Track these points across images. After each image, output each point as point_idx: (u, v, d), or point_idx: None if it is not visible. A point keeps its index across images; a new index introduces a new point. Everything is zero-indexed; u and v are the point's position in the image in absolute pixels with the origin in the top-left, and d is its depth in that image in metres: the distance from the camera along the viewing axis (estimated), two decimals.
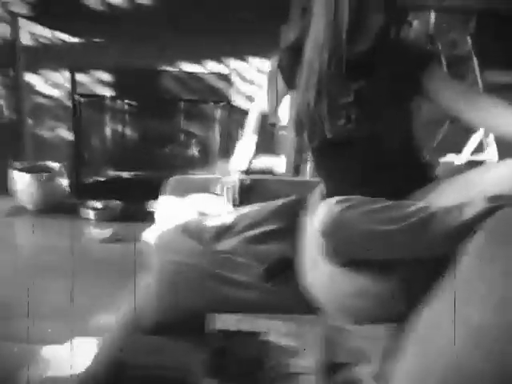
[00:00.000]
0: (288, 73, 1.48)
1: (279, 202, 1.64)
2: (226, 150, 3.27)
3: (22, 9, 3.05)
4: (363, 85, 1.38)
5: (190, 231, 1.55)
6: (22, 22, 3.21)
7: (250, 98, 3.24)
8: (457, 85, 1.41)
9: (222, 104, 3.27)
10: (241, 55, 3.18)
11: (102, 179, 3.43)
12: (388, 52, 1.40)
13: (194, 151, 3.45)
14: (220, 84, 3.25)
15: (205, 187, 1.82)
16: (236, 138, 3.22)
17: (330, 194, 1.46)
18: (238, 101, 3.26)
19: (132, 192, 3.22)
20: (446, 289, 1.04)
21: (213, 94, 3.27)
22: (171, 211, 1.80)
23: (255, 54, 3.17)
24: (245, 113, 3.15)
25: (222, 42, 3.10)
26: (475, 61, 2.90)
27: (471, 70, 2.94)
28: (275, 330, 1.25)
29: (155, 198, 2.90)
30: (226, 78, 3.24)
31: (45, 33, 3.23)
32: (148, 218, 2.91)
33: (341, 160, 1.46)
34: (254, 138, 1.76)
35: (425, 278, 1.14)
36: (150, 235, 1.66)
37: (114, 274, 2.38)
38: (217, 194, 1.80)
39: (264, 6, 2.97)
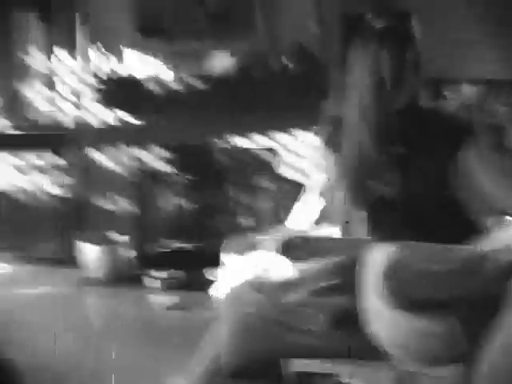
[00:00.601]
0: (331, 141, 1.63)
1: (338, 257, 1.77)
2: (275, 219, 3.45)
3: (92, 94, 3.41)
4: (400, 150, 1.50)
5: (257, 286, 1.72)
6: (91, 105, 3.57)
7: (295, 169, 3.45)
8: (493, 167, 1.47)
9: (269, 175, 3.50)
10: (286, 129, 3.41)
11: (165, 250, 3.66)
12: (424, 121, 1.52)
13: (245, 220, 3.65)
14: (267, 156, 3.49)
15: (263, 245, 1.95)
16: (283, 206, 3.42)
17: (380, 239, 1.60)
18: (285, 171, 3.46)
19: (192, 261, 3.41)
20: (503, 325, 1.15)
21: (260, 165, 3.51)
22: (235, 268, 1.95)
23: (299, 127, 3.38)
24: (291, 182, 3.38)
25: (268, 118, 3.35)
26: None
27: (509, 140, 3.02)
28: (347, 374, 1.37)
29: (212, 266, 3.10)
30: (272, 150, 3.47)
31: (112, 115, 3.57)
32: (208, 285, 3.10)
33: (389, 210, 1.56)
34: (311, 200, 1.88)
35: (483, 316, 1.23)
36: (216, 291, 1.82)
37: (180, 339, 2.52)
38: (274, 251, 1.93)
39: (303, 86, 3.24)
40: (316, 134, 1.74)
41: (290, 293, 1.66)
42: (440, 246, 1.35)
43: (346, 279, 1.67)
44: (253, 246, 1.90)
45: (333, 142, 1.63)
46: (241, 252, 1.91)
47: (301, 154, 3.41)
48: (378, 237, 1.65)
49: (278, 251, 1.89)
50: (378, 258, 1.37)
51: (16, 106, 3.77)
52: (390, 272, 1.32)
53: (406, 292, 1.34)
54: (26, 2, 3.67)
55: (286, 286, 1.69)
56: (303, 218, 1.92)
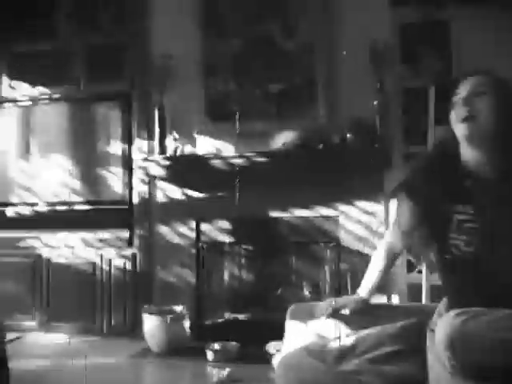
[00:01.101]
0: (417, 195, 1.64)
1: (398, 324, 1.71)
2: (338, 290, 3.37)
3: (159, 171, 3.60)
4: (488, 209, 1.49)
5: (314, 352, 1.68)
6: (159, 182, 3.77)
7: (357, 237, 3.40)
8: None
9: (331, 245, 3.46)
10: (348, 199, 3.43)
11: (220, 321, 3.63)
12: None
13: (306, 292, 3.58)
14: (329, 226, 3.47)
15: (324, 311, 1.92)
16: (346, 277, 3.35)
17: (450, 306, 1.53)
18: (347, 241, 3.43)
19: (248, 333, 3.35)
20: None
21: (322, 235, 3.49)
22: (295, 335, 1.92)
23: (361, 198, 3.40)
24: (353, 252, 3.33)
25: (330, 189, 3.39)
26: None
27: None
28: None
29: (272, 338, 3.02)
30: (334, 220, 3.46)
31: (175, 190, 3.74)
32: (265, 358, 3.02)
33: (463, 274, 1.53)
34: (379, 267, 1.85)
35: None
36: (278, 360, 1.80)
37: None
38: (334, 318, 1.88)
39: (364, 158, 3.27)
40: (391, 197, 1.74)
41: (348, 360, 1.61)
42: (505, 312, 1.31)
43: (406, 346, 1.61)
44: (315, 314, 1.88)
45: (418, 196, 1.64)
46: (302, 319, 1.89)
47: (362, 222, 3.38)
48: (449, 299, 1.58)
49: (338, 318, 1.85)
50: (445, 327, 1.33)
51: (94, 188, 4.03)
52: (456, 342, 1.29)
53: (472, 362, 1.30)
54: (108, 96, 4.01)
55: (344, 353, 1.65)
56: (367, 283, 1.87)
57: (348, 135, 3.32)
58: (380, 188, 3.33)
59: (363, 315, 1.86)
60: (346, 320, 1.85)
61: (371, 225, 3.37)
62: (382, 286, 1.86)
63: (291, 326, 1.95)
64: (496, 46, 3.45)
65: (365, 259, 3.30)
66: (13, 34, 4.16)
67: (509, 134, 1.50)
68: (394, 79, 3.45)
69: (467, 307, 1.37)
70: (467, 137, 1.51)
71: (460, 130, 1.52)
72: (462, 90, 1.54)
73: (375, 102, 3.29)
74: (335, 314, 1.85)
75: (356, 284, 3.23)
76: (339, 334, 1.79)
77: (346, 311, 1.85)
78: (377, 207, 3.37)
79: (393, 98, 3.38)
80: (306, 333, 1.88)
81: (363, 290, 1.85)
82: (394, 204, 1.74)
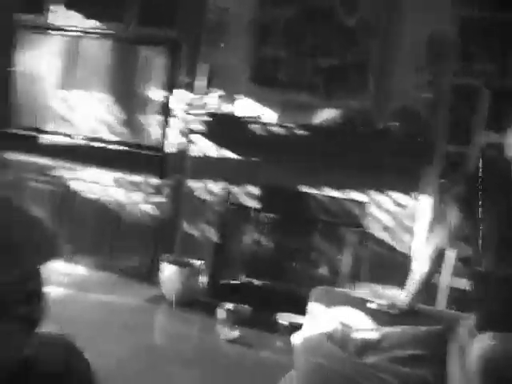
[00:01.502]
0: (467, 203, 1.65)
1: (422, 328, 1.74)
2: (355, 275, 3.41)
3: (197, 125, 3.61)
4: None
5: (335, 339, 1.72)
6: (196, 137, 3.79)
7: (384, 227, 3.42)
8: None
9: (356, 229, 3.48)
10: (380, 187, 3.41)
11: (236, 282, 3.72)
12: None
13: (323, 270, 3.64)
14: (356, 210, 3.48)
15: (350, 301, 1.94)
16: (366, 263, 3.39)
17: (480, 326, 1.55)
18: (373, 228, 3.44)
19: (261, 299, 3.44)
20: None
21: (349, 219, 3.50)
22: (317, 318, 1.95)
23: (394, 188, 3.38)
24: (377, 240, 3.35)
25: (364, 174, 3.38)
26: None
27: None
28: None
29: (282, 308, 3.11)
30: (363, 205, 3.46)
31: (211, 148, 3.76)
32: (274, 327, 3.12)
33: (503, 294, 1.55)
34: (422, 276, 1.84)
35: None
36: (297, 339, 1.83)
37: (235, 375, 2.58)
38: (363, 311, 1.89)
39: (406, 148, 3.24)
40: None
41: (370, 354, 1.65)
42: None
43: (428, 352, 1.64)
44: (340, 300, 1.91)
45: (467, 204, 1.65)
46: (326, 303, 1.92)
47: (392, 213, 3.38)
48: (480, 318, 1.60)
49: (365, 311, 1.87)
50: (481, 352, 1.35)
51: (130, 130, 4.06)
52: (490, 370, 1.32)
53: None
54: (156, 41, 3.96)
55: (368, 346, 1.68)
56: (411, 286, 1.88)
57: (393, 124, 3.27)
58: (415, 182, 3.31)
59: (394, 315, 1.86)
60: (371, 313, 1.86)
61: (399, 216, 3.37)
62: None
63: (314, 309, 1.96)
64: None
65: (388, 249, 3.35)
66: None
67: None
68: (447, 74, 3.36)
69: (499, 329, 1.39)
70: None
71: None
72: None
73: (425, 95, 3.23)
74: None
75: (374, 272, 3.32)
76: (363, 327, 1.81)
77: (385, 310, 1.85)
78: (408, 200, 3.36)
79: (444, 93, 3.30)
80: (329, 318, 1.88)
81: (405, 298, 1.86)
82: (440, 207, 1.73)
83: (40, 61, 4.27)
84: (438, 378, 1.58)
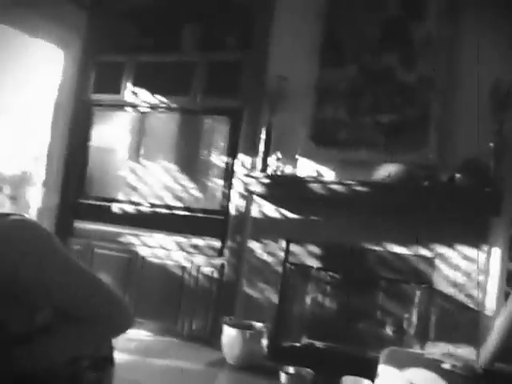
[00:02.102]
0: None
1: None
2: (423, 334, 3.20)
3: (258, 188, 3.67)
4: None
5: None
6: (255, 199, 3.85)
7: (453, 284, 3.22)
8: None
9: (423, 286, 3.31)
10: (447, 242, 3.27)
11: (298, 345, 3.58)
12: None
13: (389, 331, 3.44)
14: (423, 266, 3.33)
15: (422, 363, 1.84)
16: (434, 322, 3.18)
17: None
18: (441, 285, 3.27)
19: (324, 362, 3.27)
20: None
21: (415, 275, 3.35)
22: (388, 381, 1.85)
23: (461, 241, 3.23)
24: (446, 297, 3.16)
25: (429, 229, 3.26)
26: None
27: None
28: None
29: (346, 371, 2.93)
30: (429, 261, 3.31)
31: (271, 208, 3.79)
32: None
33: None
34: (503, 335, 1.72)
35: None
36: None
37: None
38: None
39: (472, 201, 3.11)
40: None
41: None
42: None
43: None
44: (410, 361, 1.79)
45: None
46: (400, 365, 1.81)
47: (461, 268, 3.20)
48: None
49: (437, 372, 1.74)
50: None
51: (194, 196, 4.19)
52: None
53: None
54: (220, 111, 4.17)
55: None
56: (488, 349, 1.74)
57: (457, 175, 3.18)
58: (484, 234, 3.15)
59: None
60: (444, 374, 1.74)
61: (469, 271, 3.18)
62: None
63: (385, 371, 1.88)
64: None
65: (457, 306, 3.13)
66: (142, 45, 4.48)
67: None
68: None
69: None
70: None
71: None
72: None
73: (491, 144, 3.14)
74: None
75: (443, 331, 3.10)
76: None
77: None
78: (478, 253, 3.18)
79: (509, 141, 3.20)
80: (401, 380, 1.79)
81: (482, 359, 1.72)
82: None
83: (113, 135, 4.58)
84: None
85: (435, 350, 1.80)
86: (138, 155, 4.47)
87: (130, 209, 4.41)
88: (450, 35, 3.43)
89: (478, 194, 3.09)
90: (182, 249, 4.11)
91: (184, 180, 4.26)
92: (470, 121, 3.30)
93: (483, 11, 3.35)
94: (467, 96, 3.34)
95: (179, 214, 4.21)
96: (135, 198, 4.42)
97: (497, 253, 3.12)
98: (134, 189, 4.42)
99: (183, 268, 4.05)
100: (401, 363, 1.83)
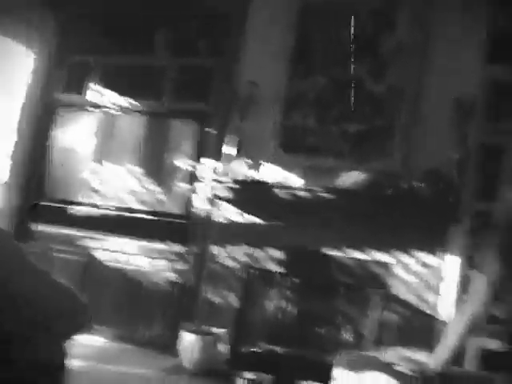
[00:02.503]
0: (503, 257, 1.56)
1: None
2: (380, 338, 3.21)
3: (223, 193, 3.63)
4: None
5: None
6: (220, 203, 3.81)
7: (410, 288, 3.26)
8: None
9: (380, 291, 3.33)
10: (406, 248, 3.31)
11: (257, 350, 3.52)
12: None
13: (349, 336, 3.43)
14: (381, 272, 3.37)
15: (376, 365, 1.84)
16: (391, 326, 3.19)
17: None
18: (398, 290, 3.30)
19: (283, 367, 3.23)
20: None
21: (373, 280, 3.38)
22: None
23: (420, 248, 3.28)
24: (403, 302, 3.18)
25: (390, 235, 3.31)
26: None
27: None
28: None
29: (304, 376, 2.90)
30: (388, 266, 3.35)
31: (235, 213, 3.75)
32: None
33: None
34: (455, 339, 1.72)
35: None
36: None
37: None
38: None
39: (432, 208, 3.17)
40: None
41: None
42: None
43: None
44: (368, 365, 1.78)
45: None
46: (355, 369, 1.80)
47: (418, 274, 3.24)
48: None
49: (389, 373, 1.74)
50: None
51: (158, 200, 4.13)
52: None
53: None
54: (188, 115, 4.14)
55: None
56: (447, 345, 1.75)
57: (420, 184, 3.22)
58: (442, 241, 3.21)
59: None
60: (399, 377, 1.74)
61: (425, 277, 3.23)
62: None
63: (339, 375, 1.87)
64: None
65: (413, 310, 3.16)
66: (112, 47, 4.43)
67: None
68: (475, 134, 3.36)
69: None
70: None
71: None
72: None
73: (454, 156, 3.20)
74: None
75: (400, 335, 3.11)
76: None
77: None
78: (436, 260, 3.23)
79: (472, 153, 3.28)
80: (355, 383, 1.78)
81: (435, 362, 1.72)
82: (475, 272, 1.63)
83: (78, 137, 4.48)
84: None
85: (389, 353, 1.80)
86: (102, 157, 4.38)
87: (91, 212, 4.30)
88: (417, 48, 3.50)
89: (439, 202, 3.13)
90: (143, 253, 4.02)
91: (148, 183, 4.19)
92: (435, 131, 3.36)
93: (450, 24, 3.45)
94: (433, 107, 3.41)
95: (142, 217, 4.13)
96: (97, 201, 4.31)
97: (453, 259, 3.17)
98: (97, 191, 4.33)
99: (144, 273, 3.95)
100: (355, 367, 1.82)
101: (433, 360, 1.72)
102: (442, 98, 3.36)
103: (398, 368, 1.75)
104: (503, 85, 3.43)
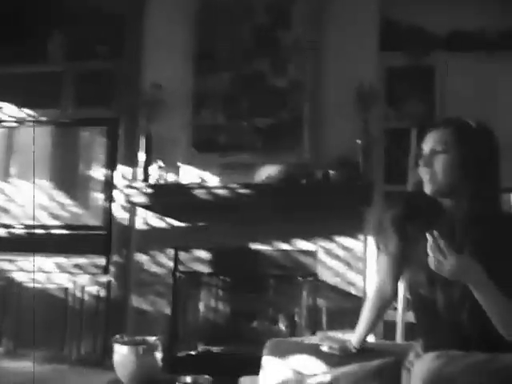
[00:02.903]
0: (401, 226, 1.62)
1: (375, 362, 1.71)
2: (313, 325, 3.35)
3: (140, 198, 3.57)
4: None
5: None
6: (138, 210, 3.75)
7: (335, 273, 3.41)
8: None
9: (309, 279, 3.44)
10: (328, 235, 3.44)
11: (193, 353, 3.55)
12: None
13: (282, 326, 3.54)
14: (308, 260, 3.47)
15: (302, 349, 1.91)
16: (322, 312, 3.34)
17: (426, 347, 1.53)
18: (325, 276, 3.43)
19: (221, 366, 3.27)
20: None
21: (301, 270, 3.48)
22: (272, 371, 1.90)
23: (340, 233, 3.43)
24: (331, 287, 3.33)
25: (311, 224, 3.43)
26: None
27: None
28: None
29: (243, 372, 2.96)
30: (313, 254, 3.46)
31: (156, 218, 3.71)
32: None
33: (443, 315, 1.50)
34: (370, 315, 1.80)
35: None
36: None
37: None
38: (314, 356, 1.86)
39: (346, 195, 3.32)
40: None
41: None
42: (483, 356, 1.32)
43: (386, 383, 1.59)
44: (292, 349, 1.86)
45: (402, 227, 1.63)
46: (280, 354, 1.86)
47: (341, 258, 3.39)
48: (424, 340, 1.58)
49: (316, 355, 1.82)
50: (421, 370, 1.34)
51: (73, 213, 3.98)
52: None
53: None
54: (95, 122, 4.02)
55: None
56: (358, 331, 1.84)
57: (331, 172, 3.36)
58: (360, 224, 3.38)
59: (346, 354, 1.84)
60: (323, 356, 1.83)
61: (349, 260, 3.39)
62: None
63: (268, 362, 1.93)
64: (477, 90, 3.59)
65: (341, 294, 3.32)
66: (2, 55, 4.17)
67: (473, 184, 1.49)
68: (378, 120, 3.54)
69: (442, 349, 1.36)
70: (432, 193, 1.53)
71: (426, 187, 1.54)
72: (426, 145, 1.54)
73: (359, 141, 3.36)
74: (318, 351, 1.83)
75: (332, 319, 3.26)
76: (316, 371, 1.77)
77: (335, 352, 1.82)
78: (355, 243, 3.40)
79: (376, 138, 3.45)
80: (283, 368, 1.84)
81: (355, 339, 1.82)
82: (377, 246, 1.73)
83: None
84: None
85: (317, 336, 1.89)
86: (7, 173, 4.16)
87: (1, 232, 4.08)
88: (314, 40, 3.60)
89: (350, 187, 3.29)
90: (63, 270, 3.88)
91: (61, 197, 4.04)
92: (339, 120, 3.50)
93: (344, 14, 3.58)
94: (335, 97, 3.54)
95: (58, 233, 3.98)
96: (7, 221, 4.10)
97: (370, 241, 3.35)
98: (6, 210, 4.11)
99: (66, 290, 3.83)
100: (283, 352, 1.87)
101: (354, 337, 1.80)
102: (343, 88, 3.49)
103: (322, 348, 1.82)
104: (398, 71, 3.64)
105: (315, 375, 1.72)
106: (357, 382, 1.64)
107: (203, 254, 3.63)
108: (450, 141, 1.50)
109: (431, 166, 1.51)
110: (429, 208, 1.57)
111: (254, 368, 2.91)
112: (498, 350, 1.34)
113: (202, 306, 3.74)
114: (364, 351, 1.80)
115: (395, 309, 2.90)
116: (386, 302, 1.78)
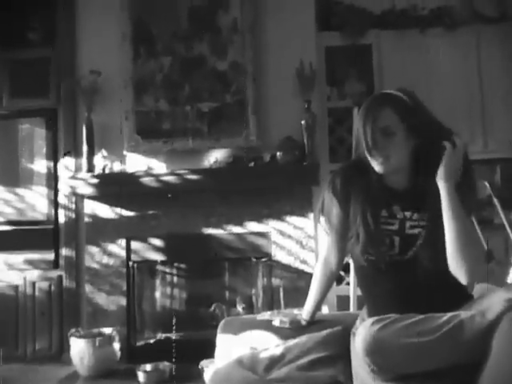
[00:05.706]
0: (342, 194, 1.65)
1: (324, 332, 1.79)
2: (270, 304, 3.43)
3: (86, 189, 3.51)
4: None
5: (245, 364, 1.72)
6: (85, 201, 3.68)
7: (289, 252, 3.49)
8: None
9: (263, 260, 3.51)
10: (278, 215, 3.51)
11: (152, 341, 3.57)
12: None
13: (239, 308, 3.61)
14: (261, 241, 3.53)
15: (255, 325, 1.96)
16: (278, 291, 3.42)
17: (370, 313, 1.61)
18: (279, 256, 3.50)
19: (181, 352, 3.29)
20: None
21: (255, 251, 3.53)
22: (227, 348, 1.95)
23: (291, 213, 3.49)
24: (285, 266, 3.41)
25: (262, 206, 3.49)
26: (497, 204, 3.05)
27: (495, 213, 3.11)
28: None
29: (203, 357, 3.01)
30: (266, 235, 3.52)
31: (104, 209, 3.66)
32: (198, 377, 3.00)
33: (382, 281, 1.60)
34: (317, 288, 1.85)
35: (470, 381, 1.27)
36: (209, 374, 1.80)
37: None
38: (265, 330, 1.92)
39: (293, 175, 3.39)
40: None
41: (277, 369, 1.66)
42: (419, 317, 1.39)
43: (332, 352, 1.69)
44: (246, 326, 1.91)
45: (343, 195, 1.66)
46: (234, 332, 1.91)
47: (293, 237, 3.48)
48: (368, 306, 1.67)
49: (268, 329, 1.89)
50: (363, 335, 1.41)
51: (17, 208, 3.86)
52: (373, 348, 1.38)
53: (389, 367, 1.40)
54: (33, 113, 3.88)
55: (274, 362, 1.70)
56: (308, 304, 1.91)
57: (278, 153, 3.41)
58: (309, 203, 3.46)
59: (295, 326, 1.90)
60: (275, 331, 1.89)
61: (301, 239, 3.48)
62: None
63: (222, 340, 1.97)
64: (414, 66, 3.71)
65: (296, 273, 3.42)
66: None
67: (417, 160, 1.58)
68: (320, 100, 3.61)
69: (384, 314, 1.44)
70: (383, 172, 1.59)
71: (375, 166, 1.59)
72: (368, 125, 1.55)
73: (303, 122, 3.41)
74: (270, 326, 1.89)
75: (288, 297, 3.35)
76: (269, 345, 1.83)
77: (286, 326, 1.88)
78: (306, 222, 3.47)
79: (319, 117, 3.52)
80: (238, 345, 1.89)
81: (305, 313, 1.88)
82: (321, 217, 1.77)
83: None
84: (347, 374, 1.61)
85: (269, 313, 1.94)
86: None
87: None
88: (252, 23, 3.59)
89: (297, 168, 3.35)
90: (11, 267, 3.78)
91: (3, 192, 3.90)
92: (282, 101, 3.54)
93: None
94: (277, 78, 3.57)
95: (3, 229, 3.86)
96: None
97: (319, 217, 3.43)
98: None
99: (16, 287, 3.74)
100: (236, 330, 1.92)
101: (304, 310, 1.88)
102: (284, 69, 3.53)
103: (274, 322, 1.87)
104: (338, 50, 3.70)
105: (268, 349, 1.78)
106: (307, 352, 1.71)
107: (156, 242, 3.62)
108: (394, 121, 1.54)
109: (382, 150, 1.55)
110: (366, 177, 1.62)
111: (214, 351, 2.99)
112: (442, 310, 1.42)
113: (158, 294, 3.75)
114: (314, 323, 1.86)
115: (348, 284, 3.01)
116: (331, 274, 1.81)
